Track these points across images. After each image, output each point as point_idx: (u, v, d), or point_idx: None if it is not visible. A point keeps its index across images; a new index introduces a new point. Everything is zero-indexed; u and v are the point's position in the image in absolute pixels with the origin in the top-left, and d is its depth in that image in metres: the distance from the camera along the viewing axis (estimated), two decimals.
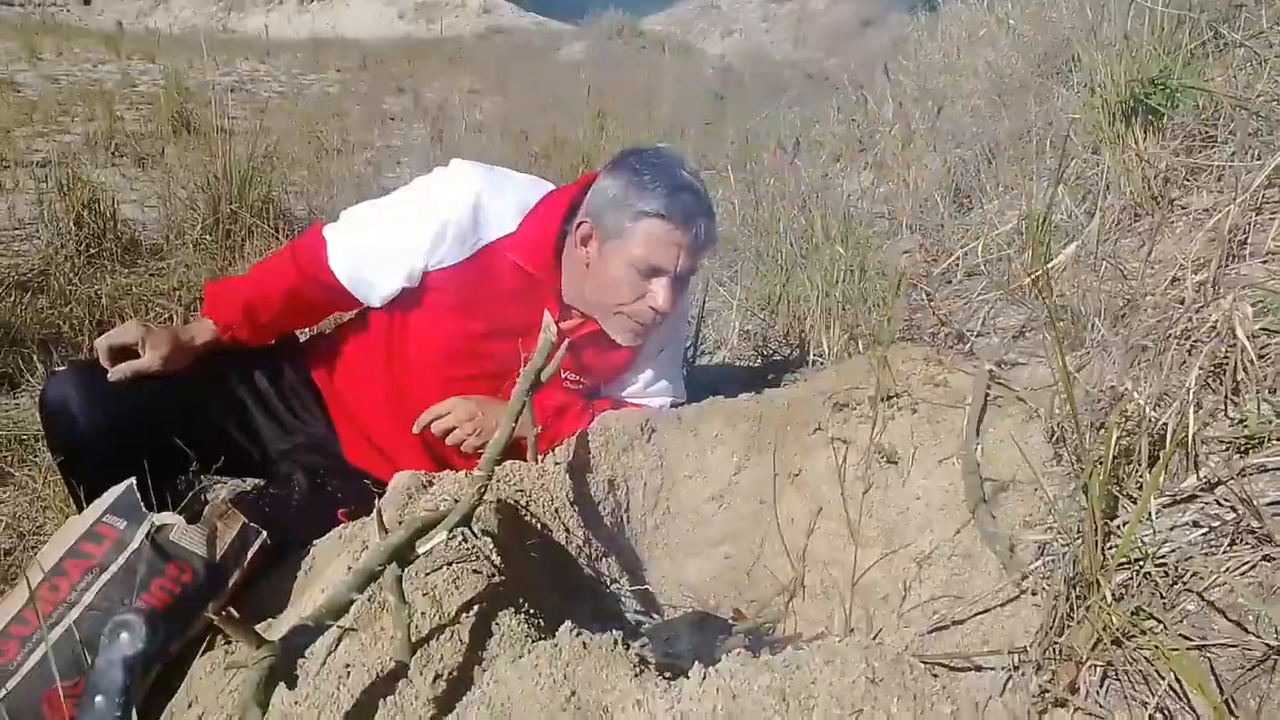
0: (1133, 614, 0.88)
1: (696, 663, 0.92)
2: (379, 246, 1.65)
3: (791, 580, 1.57)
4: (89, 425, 1.51)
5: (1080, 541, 0.95)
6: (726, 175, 4.23)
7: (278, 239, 4.04)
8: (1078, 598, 0.90)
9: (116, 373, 1.55)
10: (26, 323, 3.00)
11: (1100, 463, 0.93)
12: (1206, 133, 1.93)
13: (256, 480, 1.96)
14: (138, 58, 11.20)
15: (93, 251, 3.77)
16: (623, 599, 1.58)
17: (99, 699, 1.02)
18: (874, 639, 1.19)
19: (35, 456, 2.31)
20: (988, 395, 1.52)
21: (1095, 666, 0.86)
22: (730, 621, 1.52)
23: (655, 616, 1.57)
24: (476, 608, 1.16)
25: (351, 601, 0.95)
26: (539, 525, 1.53)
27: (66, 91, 7.95)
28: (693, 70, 12.45)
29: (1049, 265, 1.59)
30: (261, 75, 11.15)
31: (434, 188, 1.65)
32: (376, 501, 1.49)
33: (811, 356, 2.18)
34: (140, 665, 1.08)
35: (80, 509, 1.54)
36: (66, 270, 3.51)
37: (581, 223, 1.62)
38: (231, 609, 0.77)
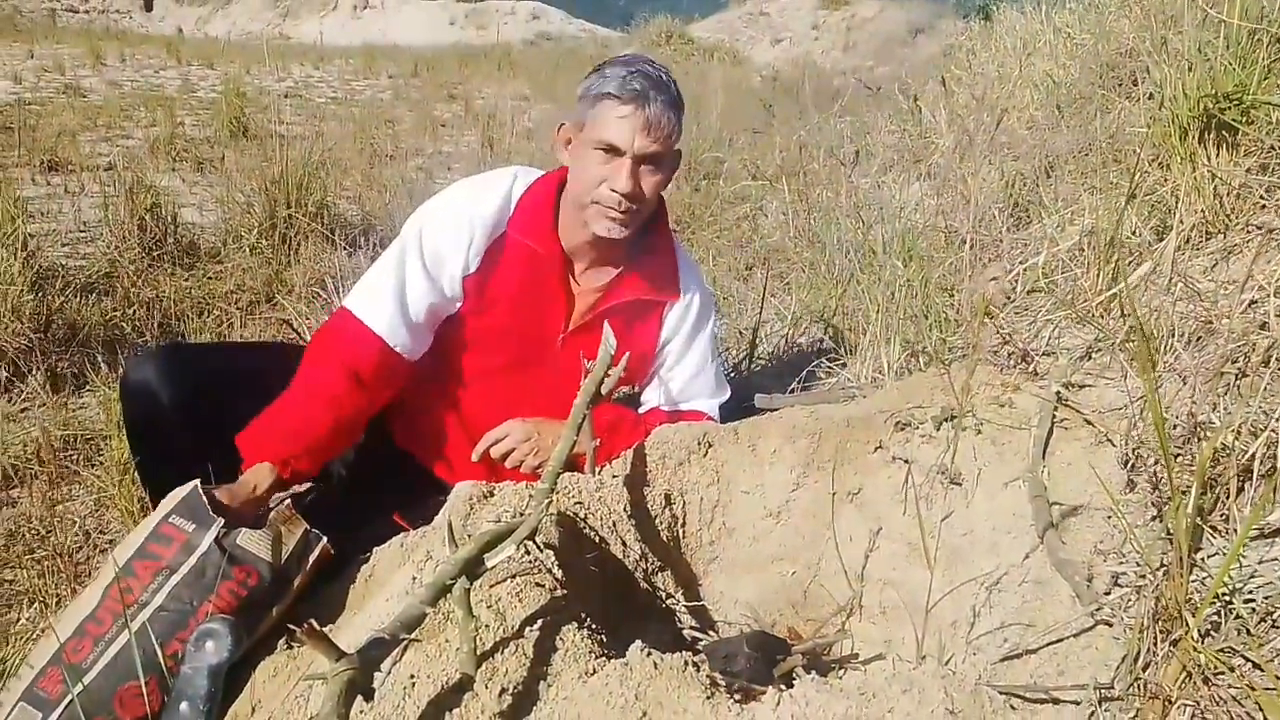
0: (1220, 651, 0.85)
1: (770, 688, 0.91)
2: (421, 273, 1.69)
3: (849, 600, 1.55)
4: (170, 401, 1.57)
5: (1164, 574, 0.92)
6: (780, 185, 4.21)
7: (331, 242, 4.11)
8: (1162, 632, 0.88)
9: None
10: (92, 324, 3.08)
11: (1186, 493, 0.90)
12: None
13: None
14: (197, 64, 11.47)
15: (154, 254, 3.87)
16: (679, 615, 1.58)
17: (184, 705, 1.04)
18: (946, 665, 1.17)
19: (102, 456, 2.37)
20: (1054, 418, 1.50)
21: (1184, 705, 0.84)
22: (788, 641, 1.50)
23: (711, 633, 1.56)
24: (540, 621, 1.16)
25: (425, 615, 0.96)
26: (596, 538, 1.53)
27: (129, 97, 8.15)
28: (741, 77, 12.42)
29: (1123, 285, 1.56)
30: (315, 81, 11.36)
31: (454, 200, 1.72)
32: (439, 513, 1.51)
33: (869, 372, 2.15)
34: (224, 673, 1.10)
35: (149, 497, 1.59)
36: (130, 272, 3.60)
37: (561, 125, 1.70)
38: (313, 621, 0.78)
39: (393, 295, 1.66)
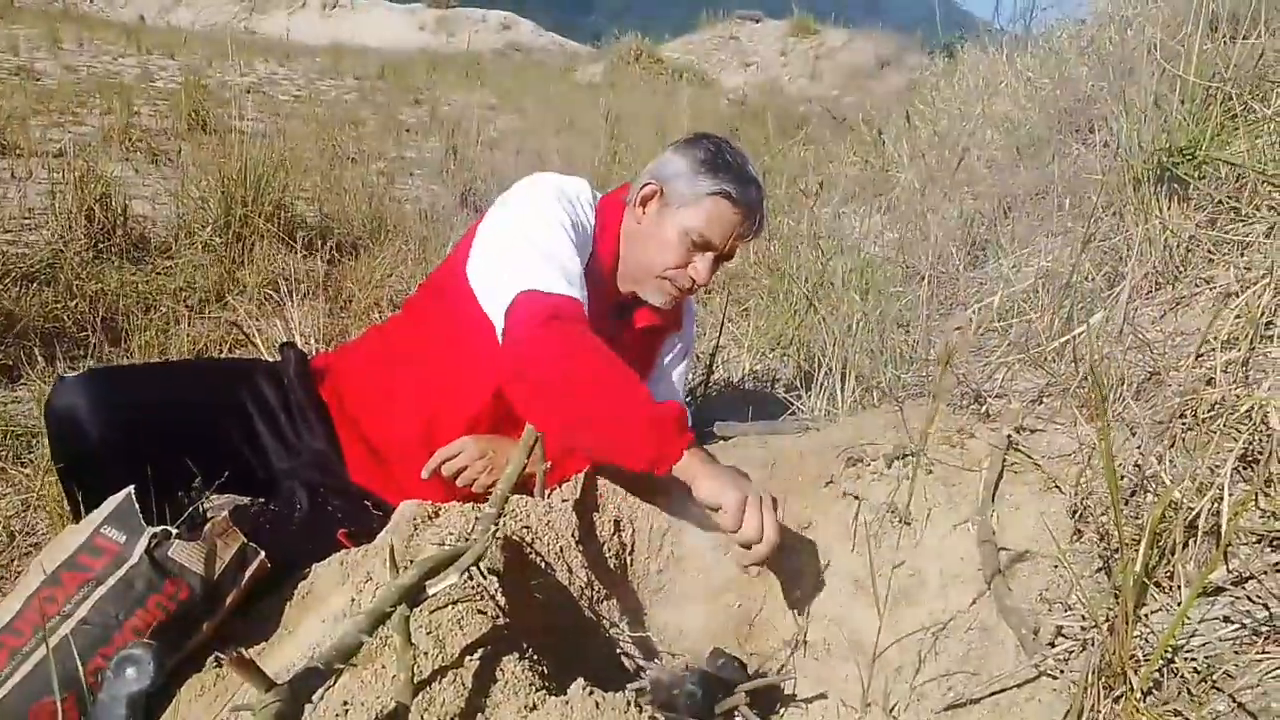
0: (1162, 711, 0.86)
1: None
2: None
3: (794, 635, 1.55)
4: (100, 437, 1.47)
5: (1108, 628, 0.92)
6: None
7: (287, 243, 4.03)
8: (1104, 688, 0.88)
9: None
10: (30, 315, 2.98)
11: (1134, 547, 0.91)
12: (1231, 206, 1.92)
13: (258, 498, 1.93)
14: (158, 53, 11.23)
15: (101, 246, 3.76)
16: (622, 644, 1.56)
17: None
18: (890, 712, 1.16)
19: (31, 453, 2.28)
20: (1005, 461, 1.51)
21: None
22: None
23: (655, 664, 1.54)
24: (480, 651, 1.13)
25: (361, 644, 0.93)
26: (543, 564, 1.50)
27: (85, 82, 7.95)
28: (709, 100, 12.51)
29: (1077, 332, 1.58)
30: (279, 78, 11.19)
31: (581, 190, 1.69)
32: (382, 531, 1.47)
33: (823, 406, 2.16)
34: (143, 702, 1.05)
35: (76, 514, 1.51)
36: (74, 264, 3.48)
37: (647, 184, 1.68)
38: (242, 649, 0.75)
39: (569, 256, 1.54)
